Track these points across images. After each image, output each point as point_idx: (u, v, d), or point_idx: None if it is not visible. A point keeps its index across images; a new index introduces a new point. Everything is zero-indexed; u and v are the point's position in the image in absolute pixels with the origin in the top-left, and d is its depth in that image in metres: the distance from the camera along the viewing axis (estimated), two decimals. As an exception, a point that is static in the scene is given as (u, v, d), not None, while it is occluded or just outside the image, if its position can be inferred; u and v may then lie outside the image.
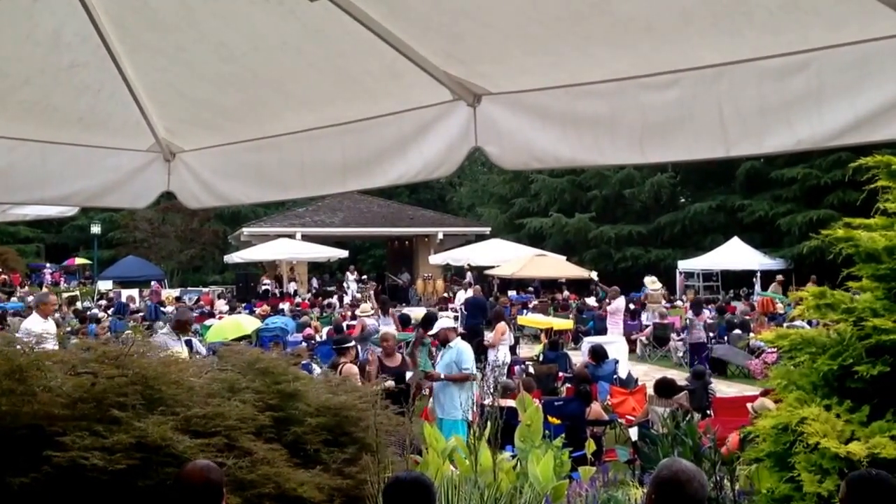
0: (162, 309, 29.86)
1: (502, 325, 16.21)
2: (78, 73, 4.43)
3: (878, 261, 5.75)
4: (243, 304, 31.12)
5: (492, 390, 6.90)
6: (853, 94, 2.99)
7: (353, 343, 12.29)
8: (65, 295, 35.90)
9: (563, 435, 7.59)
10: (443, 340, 10.17)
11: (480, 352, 14.82)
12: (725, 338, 20.64)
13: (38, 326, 10.06)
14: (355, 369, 10.66)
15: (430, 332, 10.56)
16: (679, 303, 29.34)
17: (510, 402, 8.56)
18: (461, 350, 10.02)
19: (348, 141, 4.62)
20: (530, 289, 32.93)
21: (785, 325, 13.31)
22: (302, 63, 4.27)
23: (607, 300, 22.30)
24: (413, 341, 13.43)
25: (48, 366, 5.50)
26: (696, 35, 3.24)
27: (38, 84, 4.50)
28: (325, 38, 3.98)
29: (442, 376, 9.79)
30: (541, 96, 3.84)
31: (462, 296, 29.83)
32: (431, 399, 10.62)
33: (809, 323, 12.58)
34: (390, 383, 9.88)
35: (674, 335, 22.01)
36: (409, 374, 10.81)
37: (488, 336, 16.19)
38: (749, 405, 9.03)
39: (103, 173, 5.29)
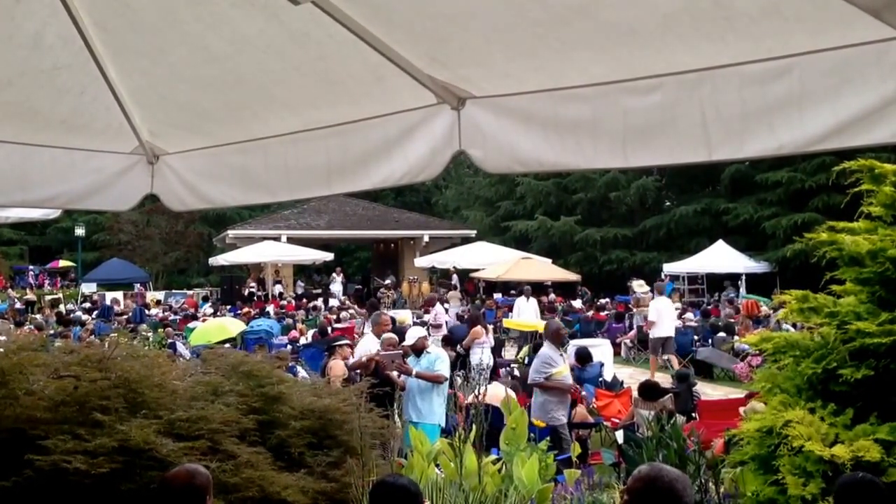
0: (146, 312, 29.74)
1: (478, 328, 16.17)
2: (60, 75, 4.41)
3: (862, 264, 5.78)
4: (228, 307, 31.04)
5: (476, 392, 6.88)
6: (834, 99, 3.00)
7: (345, 340, 12.19)
8: (48, 297, 35.77)
9: (548, 438, 7.61)
10: (419, 350, 10.08)
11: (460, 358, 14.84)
12: (710, 341, 20.68)
13: (374, 347, 10.72)
14: (340, 368, 10.60)
15: (406, 344, 10.40)
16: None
17: (495, 402, 8.53)
18: (438, 355, 9.97)
19: (332, 144, 4.61)
20: (512, 292, 32.88)
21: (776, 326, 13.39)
22: (286, 66, 4.26)
23: (425, 310, 22.07)
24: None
25: (31, 369, 5.47)
26: (677, 40, 3.25)
27: (20, 86, 4.47)
28: (308, 41, 3.97)
29: (413, 372, 9.71)
30: (524, 100, 3.84)
31: (451, 305, 29.79)
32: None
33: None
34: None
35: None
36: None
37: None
38: (741, 409, 9.03)
39: (86, 176, 5.26)
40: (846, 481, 3.99)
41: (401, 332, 11.93)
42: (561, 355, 10.76)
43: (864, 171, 6.12)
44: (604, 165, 3.98)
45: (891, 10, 2.62)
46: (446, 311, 24.79)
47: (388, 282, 36.86)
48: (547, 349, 10.62)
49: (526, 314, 23.61)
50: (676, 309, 26.49)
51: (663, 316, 19.03)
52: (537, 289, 34.09)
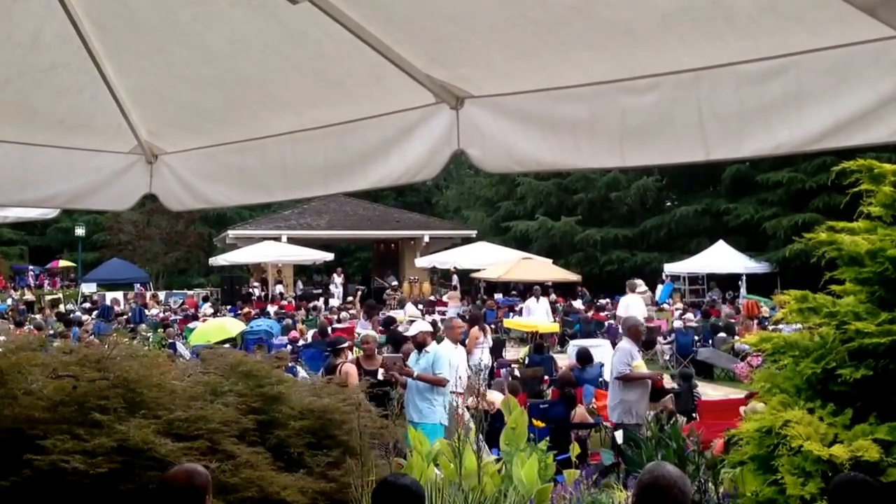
0: (146, 312, 29.75)
1: (475, 329, 16.14)
2: (58, 74, 4.41)
3: (861, 264, 5.77)
4: (228, 307, 31.03)
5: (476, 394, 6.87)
6: (832, 98, 3.00)
7: (347, 343, 12.20)
8: (48, 298, 35.78)
9: (547, 438, 7.60)
10: (420, 345, 10.02)
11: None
12: (710, 341, 20.68)
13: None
14: (354, 369, 10.61)
15: (409, 334, 10.38)
16: (666, 306, 29.39)
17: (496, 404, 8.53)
18: (439, 355, 9.93)
19: (331, 143, 4.60)
20: (513, 292, 32.88)
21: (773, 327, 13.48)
22: (284, 65, 4.26)
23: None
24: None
25: (29, 369, 5.47)
26: (675, 39, 3.24)
27: (18, 85, 4.47)
28: (307, 40, 3.96)
29: (414, 374, 9.68)
30: (522, 99, 3.83)
31: (451, 306, 29.77)
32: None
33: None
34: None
35: (660, 339, 22.01)
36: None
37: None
38: (742, 409, 9.02)
39: (85, 175, 5.26)
40: (840, 481, 4.00)
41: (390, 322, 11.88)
42: (639, 351, 10.80)
43: (864, 171, 6.11)
44: (601, 165, 3.98)
45: (885, 8, 2.61)
46: (423, 313, 24.77)
47: (393, 283, 36.85)
48: (626, 344, 10.68)
49: (537, 315, 23.64)
50: (677, 309, 26.58)
51: (630, 312, 19.97)
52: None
